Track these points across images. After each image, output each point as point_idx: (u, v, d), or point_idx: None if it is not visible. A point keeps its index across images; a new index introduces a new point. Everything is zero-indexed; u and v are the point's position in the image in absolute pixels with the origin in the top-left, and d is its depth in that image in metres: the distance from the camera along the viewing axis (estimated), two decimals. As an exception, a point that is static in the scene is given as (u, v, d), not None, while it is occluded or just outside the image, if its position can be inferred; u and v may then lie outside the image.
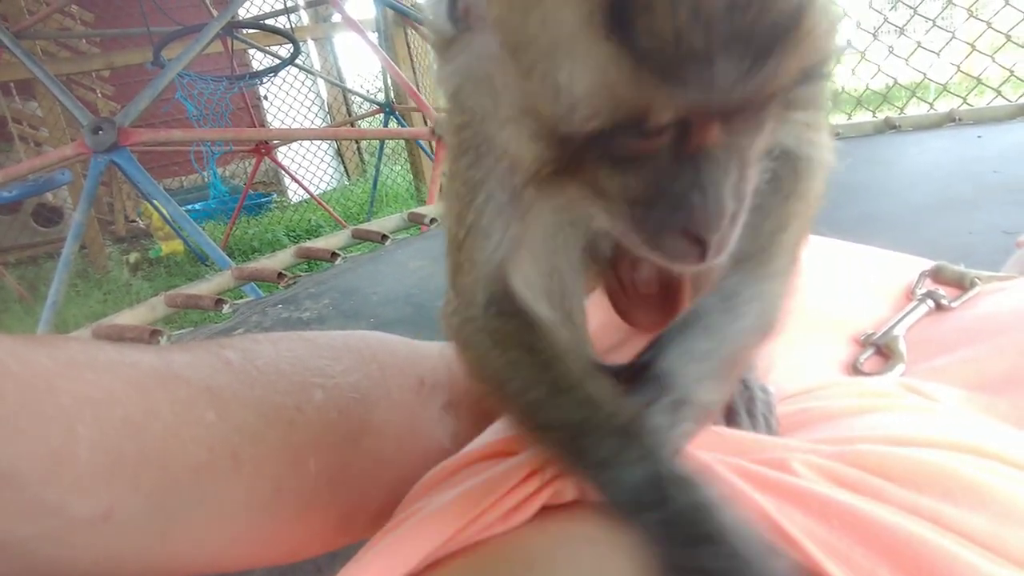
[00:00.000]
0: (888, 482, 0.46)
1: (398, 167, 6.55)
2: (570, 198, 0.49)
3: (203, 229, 3.51)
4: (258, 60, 6.32)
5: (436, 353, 0.78)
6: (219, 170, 6.31)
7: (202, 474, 0.54)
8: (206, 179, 6.31)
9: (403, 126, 5.61)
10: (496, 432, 0.65)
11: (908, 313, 0.75)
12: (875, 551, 0.41)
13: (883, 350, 0.72)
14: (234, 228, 5.46)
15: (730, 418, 0.61)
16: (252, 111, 6.29)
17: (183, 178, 7.07)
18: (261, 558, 0.62)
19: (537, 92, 0.41)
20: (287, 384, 0.62)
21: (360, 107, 6.98)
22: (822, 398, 0.66)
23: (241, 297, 2.48)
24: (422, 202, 5.06)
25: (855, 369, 0.71)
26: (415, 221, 2.79)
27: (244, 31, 5.09)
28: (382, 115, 5.73)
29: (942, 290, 0.81)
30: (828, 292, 0.80)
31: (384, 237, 2.53)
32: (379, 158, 5.82)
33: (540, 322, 0.53)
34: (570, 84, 0.39)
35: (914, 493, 0.45)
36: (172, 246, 5.63)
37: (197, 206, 6.02)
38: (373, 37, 5.07)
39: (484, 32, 0.47)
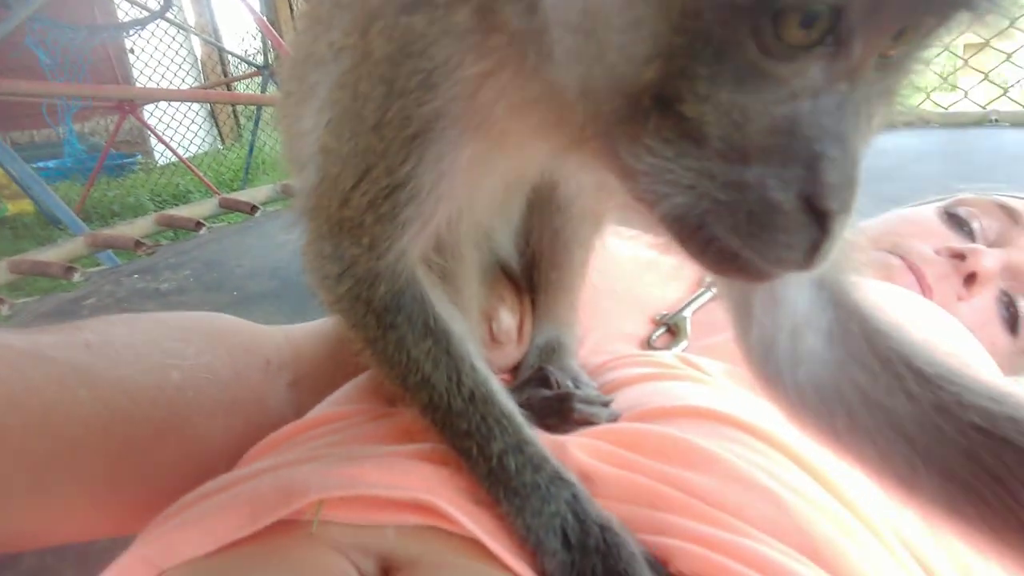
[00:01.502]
0: (640, 455, 0.57)
1: (277, 134, 6.32)
2: (616, 154, 0.36)
3: (57, 190, 3.29)
4: (124, 11, 5.88)
5: (281, 336, 0.85)
6: (77, 126, 5.85)
7: (78, 447, 0.59)
8: (61, 135, 5.83)
9: (283, 92, 5.42)
10: (325, 405, 0.73)
11: (696, 298, 0.89)
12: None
13: (673, 329, 0.85)
14: (92, 190, 5.10)
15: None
16: (116, 65, 5.87)
17: (34, 132, 6.48)
18: (125, 525, 0.67)
19: None
20: (145, 364, 0.68)
21: (237, 68, 6.66)
22: (618, 368, 0.78)
23: (97, 265, 2.37)
24: (301, 172, 4.93)
25: (649, 344, 0.84)
26: (289, 193, 2.75)
27: (107, -22, 4.74)
28: (260, 78, 5.52)
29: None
30: (635, 275, 0.92)
31: (254, 208, 2.50)
32: (256, 123, 5.60)
33: (453, 335, 0.55)
34: None
35: (661, 463, 0.56)
36: (20, 205, 5.18)
37: (50, 164, 5.56)
38: (252, -3, 4.87)
39: None
